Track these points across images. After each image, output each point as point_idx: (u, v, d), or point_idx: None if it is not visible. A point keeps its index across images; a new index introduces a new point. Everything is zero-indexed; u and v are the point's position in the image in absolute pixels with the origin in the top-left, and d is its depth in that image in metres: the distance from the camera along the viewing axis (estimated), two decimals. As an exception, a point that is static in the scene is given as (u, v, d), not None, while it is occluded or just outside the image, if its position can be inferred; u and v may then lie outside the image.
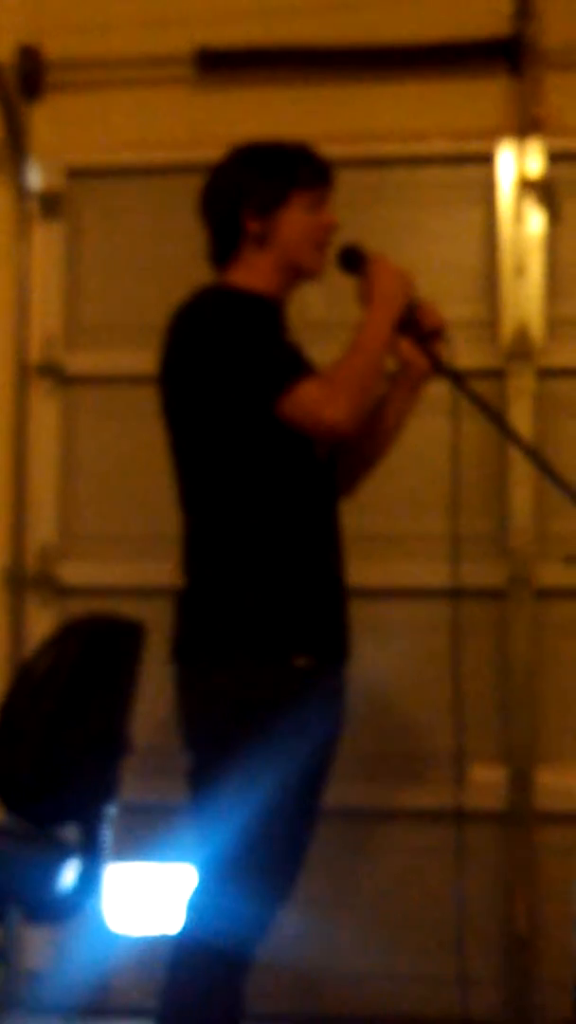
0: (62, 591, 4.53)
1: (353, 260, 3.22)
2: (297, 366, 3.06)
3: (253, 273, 3.19)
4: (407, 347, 3.24)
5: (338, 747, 3.23)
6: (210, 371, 3.06)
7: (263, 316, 3.13)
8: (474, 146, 4.46)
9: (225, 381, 3.04)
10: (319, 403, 3.01)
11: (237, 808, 2.97)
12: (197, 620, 3.12)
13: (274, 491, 3.10)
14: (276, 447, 3.08)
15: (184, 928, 3.05)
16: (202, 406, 3.10)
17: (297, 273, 3.23)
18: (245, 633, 3.06)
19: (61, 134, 4.63)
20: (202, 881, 3.05)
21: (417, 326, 3.21)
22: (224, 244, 3.23)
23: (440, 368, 3.25)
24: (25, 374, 4.61)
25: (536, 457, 3.42)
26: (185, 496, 3.19)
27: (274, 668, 3.05)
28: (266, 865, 3.01)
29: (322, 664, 3.12)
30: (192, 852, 3.07)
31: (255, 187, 3.18)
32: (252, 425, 3.06)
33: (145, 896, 4.22)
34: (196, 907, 3.04)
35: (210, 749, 3.05)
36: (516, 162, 4.42)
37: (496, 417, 3.43)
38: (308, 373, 3.05)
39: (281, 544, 3.09)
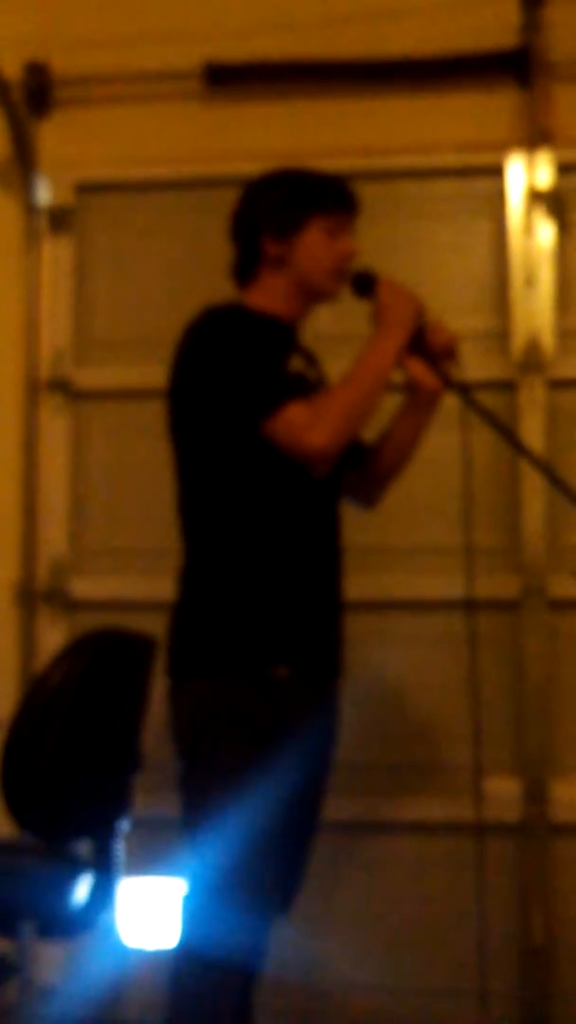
0: (73, 605, 4.53)
1: (365, 285, 3.25)
2: (288, 388, 3.11)
3: (269, 294, 3.25)
4: (418, 367, 3.30)
5: (331, 761, 3.27)
6: (206, 388, 3.12)
7: (267, 336, 3.18)
8: (483, 158, 4.45)
9: (218, 398, 3.10)
10: (302, 427, 3.05)
11: (222, 819, 3.00)
12: (183, 634, 3.18)
13: (262, 507, 3.15)
14: (267, 464, 3.12)
15: (180, 941, 3.08)
16: (197, 422, 3.16)
17: (312, 296, 3.29)
18: (225, 645, 3.11)
19: (69, 149, 4.64)
20: (193, 893, 3.07)
21: (427, 347, 3.26)
22: (245, 264, 3.29)
23: (452, 387, 3.31)
24: (34, 389, 4.61)
25: (547, 471, 3.44)
26: (181, 511, 3.25)
27: (252, 679, 3.09)
28: (254, 876, 3.03)
29: (303, 676, 3.14)
30: (183, 864, 3.10)
31: (275, 210, 3.23)
32: (243, 442, 3.11)
33: (158, 910, 4.20)
34: (189, 919, 3.07)
35: (194, 760, 3.10)
36: (525, 174, 4.41)
37: (507, 432, 3.46)
38: (298, 396, 3.09)
39: (265, 559, 3.13)
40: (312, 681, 3.17)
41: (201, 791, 3.07)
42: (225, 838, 2.99)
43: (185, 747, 3.12)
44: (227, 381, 3.09)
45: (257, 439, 3.08)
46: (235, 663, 3.10)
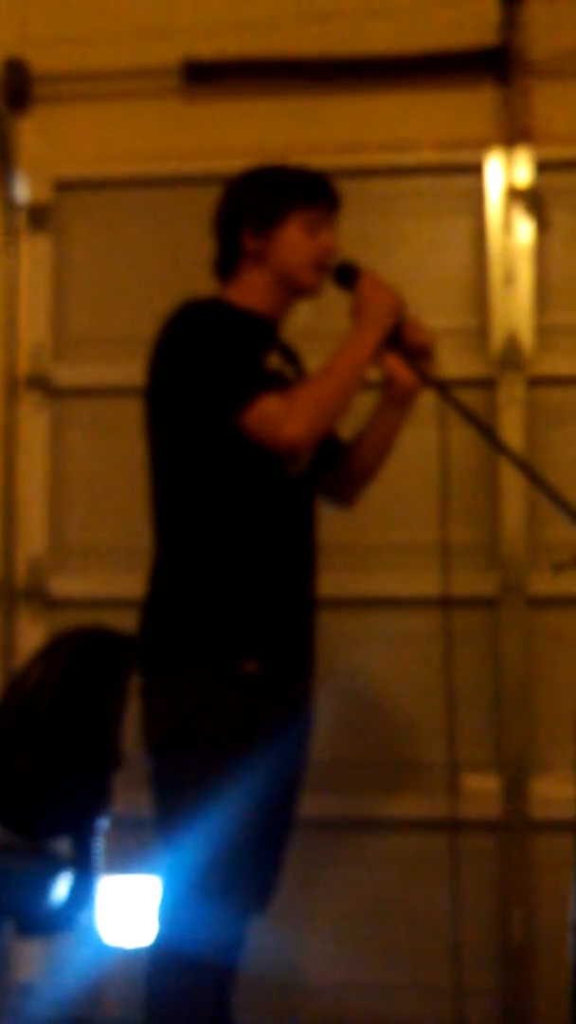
0: (52, 604, 4.52)
1: (347, 276, 3.24)
2: (262, 381, 3.10)
3: (248, 290, 3.24)
4: (394, 363, 3.29)
5: (307, 758, 3.26)
6: (181, 381, 3.12)
7: (245, 331, 3.17)
8: (462, 156, 4.46)
9: (191, 392, 3.10)
10: (277, 419, 3.05)
11: (194, 816, 2.99)
12: (153, 629, 3.17)
13: (236, 502, 3.14)
14: (242, 459, 3.11)
15: (157, 939, 3.07)
16: (172, 416, 3.15)
17: (293, 291, 3.27)
18: (195, 639, 3.10)
19: (48, 146, 4.63)
20: (168, 890, 3.07)
21: (405, 344, 3.25)
22: (226, 260, 3.28)
23: (428, 384, 3.30)
24: (13, 386, 4.60)
25: (526, 469, 3.45)
26: (154, 506, 3.24)
27: (221, 673, 3.08)
28: (230, 873, 3.02)
29: (273, 672, 3.13)
30: (157, 861, 3.09)
31: (254, 205, 3.23)
32: (218, 436, 3.10)
33: (137, 908, 4.20)
34: (165, 917, 3.07)
35: (164, 756, 3.09)
36: (504, 171, 4.42)
37: (486, 430, 3.48)
38: (272, 388, 3.09)
39: (236, 554, 3.12)
40: (283, 677, 3.16)
41: (172, 788, 3.06)
42: (198, 836, 2.98)
43: (155, 743, 3.12)
44: (202, 374, 3.08)
45: (232, 433, 3.08)
46: (204, 658, 3.08)
